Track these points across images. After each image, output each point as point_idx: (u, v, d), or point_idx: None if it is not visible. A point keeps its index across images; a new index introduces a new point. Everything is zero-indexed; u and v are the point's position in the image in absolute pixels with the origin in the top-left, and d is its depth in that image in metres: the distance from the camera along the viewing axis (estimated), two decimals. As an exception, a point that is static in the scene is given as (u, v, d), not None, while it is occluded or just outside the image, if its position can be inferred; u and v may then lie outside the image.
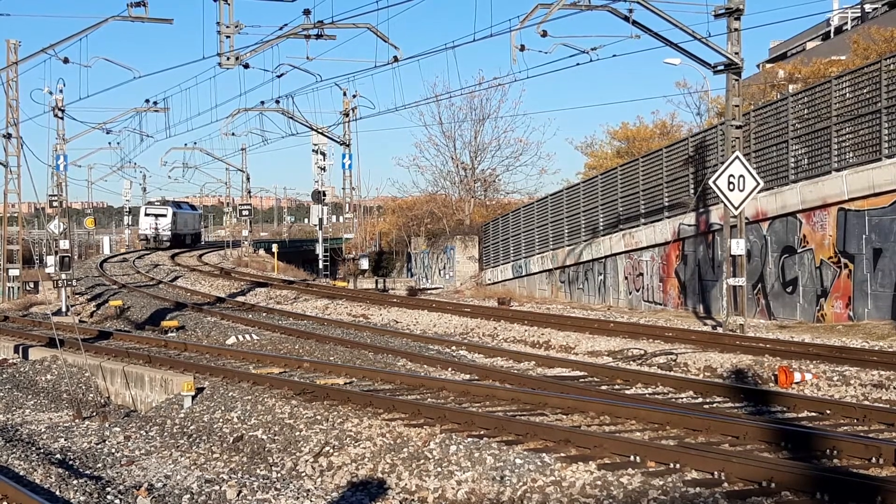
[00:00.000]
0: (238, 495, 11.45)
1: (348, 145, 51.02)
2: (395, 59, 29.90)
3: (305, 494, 11.48)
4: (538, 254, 45.98)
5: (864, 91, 25.54)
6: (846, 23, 63.81)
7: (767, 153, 29.14)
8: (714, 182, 24.33)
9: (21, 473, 12.43)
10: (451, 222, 63.49)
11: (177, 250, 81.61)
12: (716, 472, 10.21)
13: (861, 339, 21.38)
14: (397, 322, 30.60)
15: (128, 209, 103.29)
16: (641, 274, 36.30)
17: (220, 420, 15.27)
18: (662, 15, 24.17)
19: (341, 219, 58.20)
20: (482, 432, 12.67)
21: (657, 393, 16.47)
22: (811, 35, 68.88)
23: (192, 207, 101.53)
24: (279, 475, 12.47)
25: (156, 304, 37.63)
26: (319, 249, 55.29)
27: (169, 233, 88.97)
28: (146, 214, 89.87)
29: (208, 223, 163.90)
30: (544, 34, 24.28)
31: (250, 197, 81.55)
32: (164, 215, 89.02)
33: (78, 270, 53.04)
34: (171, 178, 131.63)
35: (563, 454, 11.37)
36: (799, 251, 27.52)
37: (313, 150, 55.00)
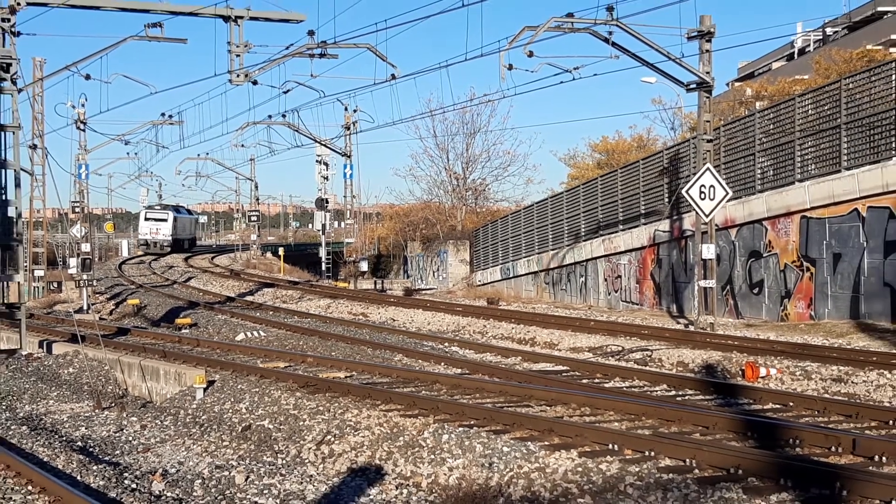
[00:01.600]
0: (246, 480, 11.44)
1: (349, 156, 50.99)
2: (393, 76, 29.88)
3: (308, 479, 11.47)
4: (525, 257, 45.97)
5: (826, 108, 25.59)
6: (809, 45, 63.97)
7: (736, 165, 29.17)
8: (687, 192, 24.36)
9: (45, 459, 12.41)
10: (445, 228, 63.46)
11: (187, 254, 79.89)
12: (687, 460, 10.22)
13: (822, 337, 21.41)
14: (394, 320, 30.58)
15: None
16: (620, 276, 36.31)
17: (230, 411, 15.25)
18: (639, 37, 24.22)
19: (343, 224, 58.12)
20: (472, 422, 12.67)
21: (634, 386, 16.47)
22: (777, 56, 69.05)
23: (189, 212, 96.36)
24: (284, 462, 12.46)
25: (170, 303, 37.56)
26: (322, 253, 55.20)
27: (170, 238, 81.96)
28: (146, 219, 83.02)
29: (219, 228, 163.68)
30: (530, 54, 24.33)
31: (258, 204, 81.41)
32: (165, 220, 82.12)
33: (98, 271, 52.94)
34: (184, 185, 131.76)
35: (546, 442, 11.37)
36: (765, 255, 27.55)
37: (317, 161, 54.90)
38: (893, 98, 23.20)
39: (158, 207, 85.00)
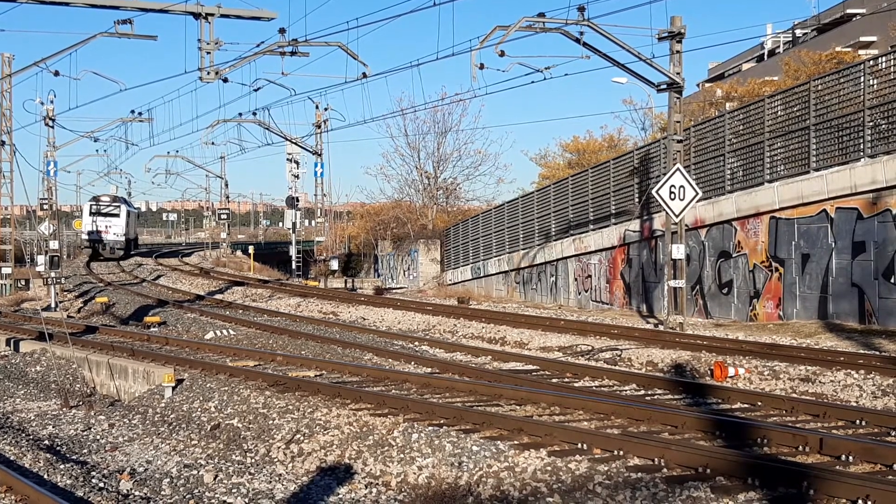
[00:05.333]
0: (215, 479, 11.40)
1: (320, 155, 50.97)
2: (364, 75, 29.86)
3: (277, 478, 11.45)
4: (495, 257, 46.04)
5: (795, 109, 25.77)
6: (779, 46, 64.41)
7: (706, 165, 29.33)
8: (657, 192, 24.46)
9: (11, 458, 12.31)
10: (416, 227, 63.44)
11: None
12: (656, 459, 10.25)
13: (790, 337, 21.55)
14: (364, 319, 30.53)
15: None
16: (590, 276, 36.41)
17: (199, 409, 15.19)
18: (610, 38, 24.29)
19: (313, 223, 58.02)
20: (442, 421, 12.66)
21: (603, 386, 16.52)
22: (747, 57, 69.47)
23: (133, 205, 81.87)
24: (253, 461, 12.42)
25: (139, 301, 37.36)
26: (293, 251, 55.15)
27: (123, 238, 67.37)
28: (92, 213, 67.36)
29: (189, 226, 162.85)
30: (502, 54, 24.38)
31: (228, 202, 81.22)
32: (117, 215, 67.46)
33: (66, 269, 52.61)
34: (154, 183, 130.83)
35: (516, 442, 11.38)
36: (734, 256, 27.70)
37: (287, 159, 54.87)
38: (862, 100, 23.39)
39: (108, 199, 70.20)
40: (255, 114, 46.58)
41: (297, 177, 55.09)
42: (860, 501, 8.56)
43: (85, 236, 68.37)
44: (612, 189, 34.77)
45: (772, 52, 64.86)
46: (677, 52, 24.55)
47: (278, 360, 19.60)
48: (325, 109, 50.13)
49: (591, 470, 10.08)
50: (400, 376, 16.87)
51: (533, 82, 26.32)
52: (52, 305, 36.36)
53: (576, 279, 37.62)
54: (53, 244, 39.42)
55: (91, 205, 68.56)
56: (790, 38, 63.06)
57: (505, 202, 47.91)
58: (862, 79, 23.43)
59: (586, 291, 36.69)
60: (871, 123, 23.17)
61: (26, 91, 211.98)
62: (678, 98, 25.10)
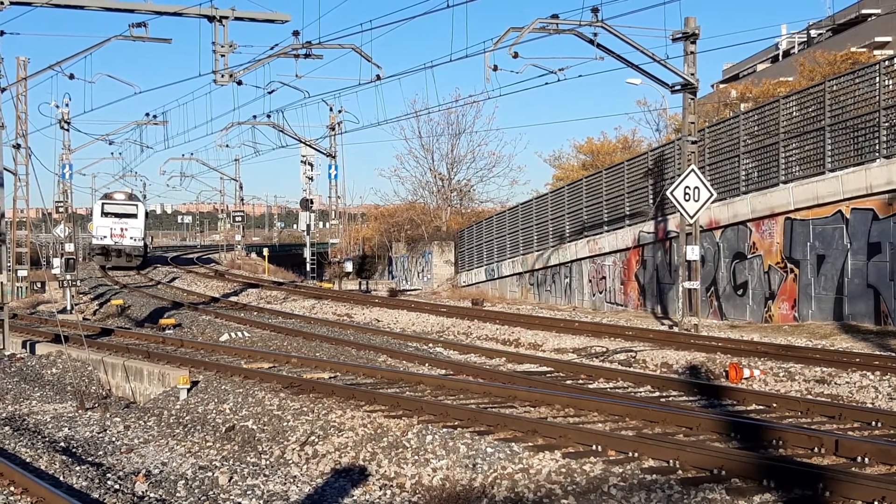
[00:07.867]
0: (229, 481, 11.42)
1: (334, 157, 50.98)
2: (378, 77, 29.87)
3: (292, 480, 11.46)
4: (509, 258, 46.00)
5: (810, 110, 25.69)
6: (793, 47, 64.23)
7: (721, 166, 29.26)
8: (671, 193, 24.42)
9: (27, 460, 12.36)
10: (429, 229, 63.48)
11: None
12: (671, 461, 10.23)
13: (805, 339, 21.48)
14: (379, 321, 30.55)
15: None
16: (604, 277, 36.36)
17: (214, 411, 15.22)
18: (624, 39, 24.27)
19: (327, 225, 58.09)
20: (456, 423, 12.66)
21: (618, 387, 16.49)
22: (761, 58, 69.31)
23: None
24: (268, 462, 12.44)
25: (154, 303, 37.46)
26: (307, 253, 55.18)
27: (141, 243, 59.40)
28: (105, 213, 58.77)
29: (204, 228, 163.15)
30: (516, 55, 24.36)
31: (243, 204, 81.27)
32: (134, 215, 59.12)
33: (82, 272, 52.76)
34: (169, 186, 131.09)
35: (530, 443, 11.37)
36: (749, 257, 27.63)
37: (302, 161, 54.93)
38: (877, 100, 23.31)
39: (122, 196, 60.81)
40: (269, 116, 46.74)
41: (311, 179, 55.16)
42: (876, 503, 8.53)
43: (96, 241, 59.74)
44: (627, 190, 34.72)
45: (786, 53, 64.70)
46: (691, 52, 24.52)
47: (293, 361, 19.63)
48: (339, 111, 50.20)
49: (606, 472, 10.06)
50: (414, 378, 16.88)
51: (547, 84, 26.36)
52: (68, 308, 36.50)
53: (590, 281, 37.57)
54: (69, 247, 39.56)
55: (103, 203, 59.68)
56: (805, 39, 62.89)
57: (519, 204, 47.88)
58: (877, 79, 23.35)
59: (600, 293, 36.63)
60: (886, 124, 23.08)
61: (41, 94, 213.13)
62: (692, 99, 25.06)
